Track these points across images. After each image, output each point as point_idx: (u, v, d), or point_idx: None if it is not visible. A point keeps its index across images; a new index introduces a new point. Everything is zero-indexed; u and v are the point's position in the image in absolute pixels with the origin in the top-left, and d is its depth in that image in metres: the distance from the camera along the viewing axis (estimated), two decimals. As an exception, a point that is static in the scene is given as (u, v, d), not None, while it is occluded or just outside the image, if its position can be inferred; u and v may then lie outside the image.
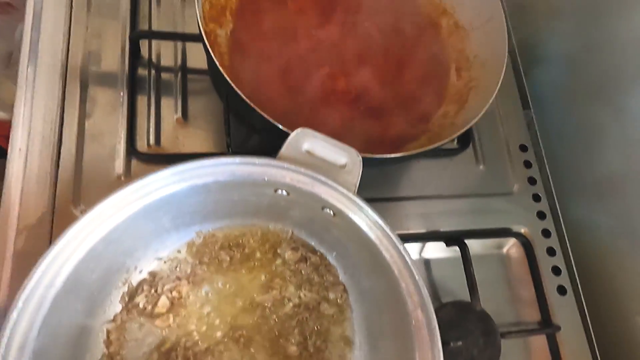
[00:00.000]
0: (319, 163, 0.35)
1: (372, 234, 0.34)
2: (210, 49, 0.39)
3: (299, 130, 0.36)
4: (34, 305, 0.26)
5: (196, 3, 0.41)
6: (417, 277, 0.32)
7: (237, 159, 0.33)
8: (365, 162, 0.36)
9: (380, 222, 0.33)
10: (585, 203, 0.60)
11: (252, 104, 0.38)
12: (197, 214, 0.39)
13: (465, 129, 0.43)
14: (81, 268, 0.30)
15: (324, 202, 0.35)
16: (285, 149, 0.35)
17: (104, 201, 0.30)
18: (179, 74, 0.53)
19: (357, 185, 0.35)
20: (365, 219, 0.34)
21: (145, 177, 0.30)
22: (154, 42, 0.54)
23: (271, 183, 0.35)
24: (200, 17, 0.40)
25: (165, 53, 0.54)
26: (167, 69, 0.54)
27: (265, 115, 0.38)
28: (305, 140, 0.36)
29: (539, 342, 0.51)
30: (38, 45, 0.50)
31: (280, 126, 0.39)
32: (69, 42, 0.51)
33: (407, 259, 0.32)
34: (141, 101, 0.51)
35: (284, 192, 0.36)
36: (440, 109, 0.53)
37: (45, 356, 0.28)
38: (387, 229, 0.33)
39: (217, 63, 0.38)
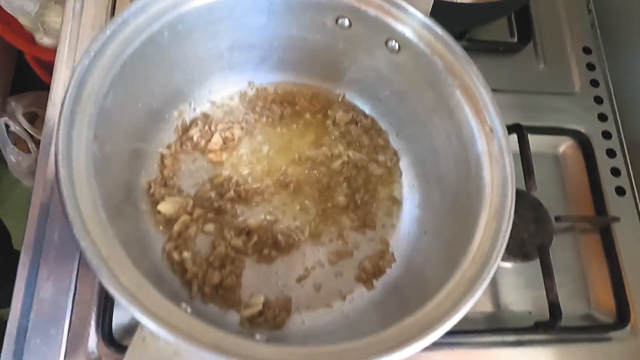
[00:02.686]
0: (387, -9, 0.33)
1: (441, 62, 0.32)
2: None
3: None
4: (104, 63, 0.25)
5: None
6: (491, 107, 0.30)
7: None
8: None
9: (453, 44, 0.31)
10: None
11: None
12: (252, 53, 0.38)
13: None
14: (139, 61, 0.29)
15: (390, 32, 0.33)
16: (352, -27, 0.33)
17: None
18: None
19: (429, 12, 0.33)
20: (436, 45, 0.32)
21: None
22: None
23: (334, 6, 0.33)
24: None
25: None
26: None
27: None
28: (373, -33, 0.34)
29: (592, 239, 0.49)
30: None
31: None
32: None
33: (481, 83, 0.31)
34: None
35: (346, 22, 0.34)
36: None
37: (106, 148, 0.27)
38: (459, 50, 0.31)
39: None
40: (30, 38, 0.97)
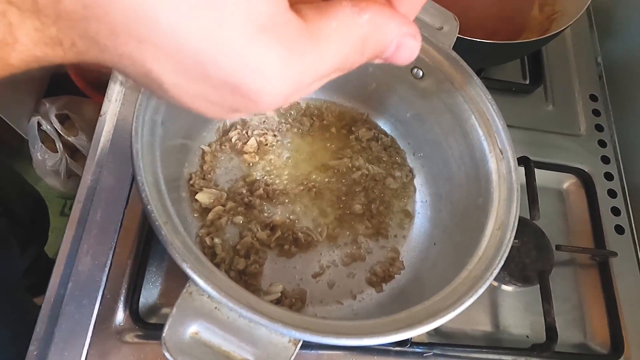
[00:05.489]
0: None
1: (460, 89, 0.36)
2: None
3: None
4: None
5: None
6: (502, 132, 0.34)
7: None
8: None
9: (472, 74, 0.36)
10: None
11: None
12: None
13: (566, 27, 0.45)
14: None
15: (416, 61, 0.38)
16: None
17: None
18: None
19: (452, 46, 0.38)
20: (457, 74, 0.36)
21: None
22: None
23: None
24: None
25: None
26: None
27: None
28: None
29: (591, 273, 0.51)
30: None
31: None
32: None
33: (494, 110, 0.35)
34: None
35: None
36: (519, 38, 0.55)
37: (168, 134, 0.32)
38: (477, 79, 0.35)
39: None
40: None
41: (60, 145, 1.13)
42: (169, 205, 0.26)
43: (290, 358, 0.23)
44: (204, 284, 0.23)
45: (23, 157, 1.16)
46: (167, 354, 0.21)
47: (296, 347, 0.24)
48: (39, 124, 1.12)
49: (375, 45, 0.16)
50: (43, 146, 1.14)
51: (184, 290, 0.23)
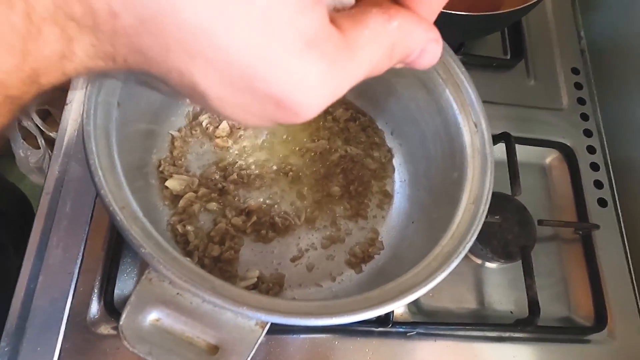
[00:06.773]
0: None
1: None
2: None
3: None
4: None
5: None
6: (476, 104, 0.33)
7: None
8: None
9: (446, 47, 0.34)
10: (634, 142, 0.59)
11: None
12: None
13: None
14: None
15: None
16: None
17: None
18: None
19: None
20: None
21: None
22: None
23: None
24: None
25: None
26: None
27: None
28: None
29: (574, 247, 0.51)
30: None
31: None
32: None
33: (468, 83, 0.34)
34: None
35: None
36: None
37: (126, 117, 0.30)
38: (451, 53, 0.34)
39: None
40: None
41: (42, 141, 1.11)
42: (128, 190, 0.25)
43: (257, 341, 0.23)
44: (163, 269, 0.22)
45: (6, 155, 1.14)
46: (125, 342, 0.21)
47: (263, 330, 0.23)
48: (19, 121, 1.10)
49: (402, 51, 0.17)
50: (25, 143, 1.12)
51: (143, 277, 0.22)
